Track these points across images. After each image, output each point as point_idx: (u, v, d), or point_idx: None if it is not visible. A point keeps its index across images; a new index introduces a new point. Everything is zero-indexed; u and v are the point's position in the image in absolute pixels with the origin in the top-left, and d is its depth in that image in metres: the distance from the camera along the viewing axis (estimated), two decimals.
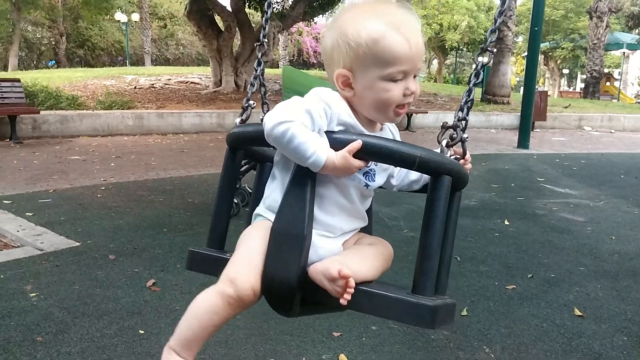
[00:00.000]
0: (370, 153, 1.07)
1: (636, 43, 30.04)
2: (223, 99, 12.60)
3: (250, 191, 4.95)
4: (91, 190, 5.33)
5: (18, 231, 3.89)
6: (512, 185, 6.34)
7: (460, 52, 41.83)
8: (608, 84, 32.88)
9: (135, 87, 13.16)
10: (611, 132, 13.93)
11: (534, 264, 3.61)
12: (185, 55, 35.15)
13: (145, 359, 2.28)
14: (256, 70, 1.44)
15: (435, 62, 47.74)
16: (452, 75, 43.84)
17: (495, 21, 1.19)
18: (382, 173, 1.23)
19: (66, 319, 2.60)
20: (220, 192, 1.37)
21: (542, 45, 36.38)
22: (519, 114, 10.63)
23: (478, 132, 12.65)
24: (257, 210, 1.25)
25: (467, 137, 1.16)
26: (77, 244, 3.71)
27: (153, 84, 13.77)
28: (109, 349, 2.35)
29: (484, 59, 1.21)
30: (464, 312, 2.82)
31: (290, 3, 15.08)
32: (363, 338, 2.53)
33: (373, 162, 1.16)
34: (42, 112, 8.94)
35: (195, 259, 1.36)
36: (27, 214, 4.32)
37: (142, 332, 2.51)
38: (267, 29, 1.48)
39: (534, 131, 12.42)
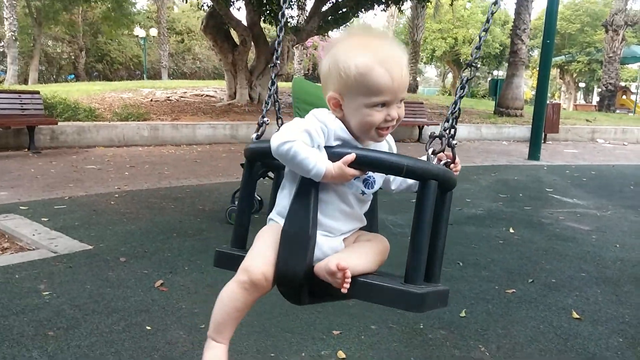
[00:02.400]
0: (363, 163, 1.23)
1: None
2: (237, 111, 12.79)
3: (260, 199, 5.07)
4: (105, 197, 5.48)
5: (33, 235, 4.03)
6: (520, 195, 6.37)
7: (475, 65, 41.80)
8: (624, 97, 32.67)
9: (151, 100, 13.42)
10: (624, 145, 13.85)
11: (536, 270, 3.65)
12: (202, 69, 35.68)
13: (152, 353, 2.37)
14: (270, 89, 1.61)
15: (450, 75, 47.81)
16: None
17: (480, 38, 1.39)
18: (380, 179, 1.39)
19: (77, 316, 2.72)
20: (240, 199, 1.58)
21: (557, 58, 36.47)
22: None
23: (490, 144, 12.69)
24: (270, 215, 1.43)
25: (456, 144, 1.31)
26: (90, 247, 3.84)
27: (169, 97, 14.03)
28: (117, 344, 2.45)
29: (467, 74, 1.38)
30: (463, 314, 2.88)
31: (305, 17, 15.30)
32: (362, 336, 2.60)
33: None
34: (60, 123, 9.17)
35: (221, 257, 1.55)
36: (42, 219, 4.47)
37: (149, 328, 2.61)
38: (279, 50, 1.64)
39: (546, 143, 12.42)
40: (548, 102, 11.63)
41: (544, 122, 10.22)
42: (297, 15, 16.25)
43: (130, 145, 9.76)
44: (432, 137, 1.30)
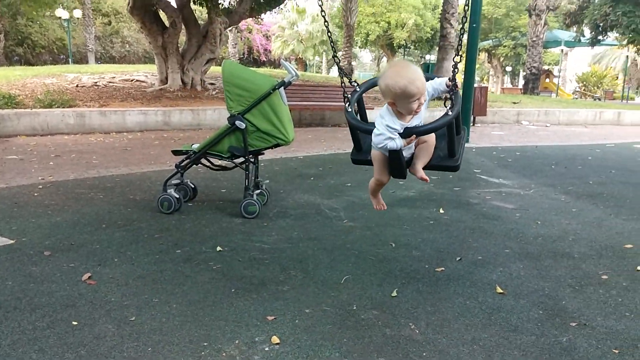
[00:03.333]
0: (418, 135, 2.41)
1: (573, 40, 31.32)
2: (169, 96, 12.45)
3: (193, 186, 4.99)
4: (28, 189, 5.22)
5: None
6: (450, 176, 6.57)
7: (407, 49, 42.61)
8: (547, 80, 34.23)
9: (77, 86, 12.82)
10: (547, 126, 14.55)
11: (464, 248, 3.80)
12: (132, 53, 34.39)
13: (78, 349, 2.30)
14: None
15: (384, 59, 48.42)
16: None
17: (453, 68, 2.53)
18: (420, 120, 2.46)
19: None
20: (352, 134, 2.78)
21: (485, 43, 37.63)
22: None
23: None
24: (374, 146, 2.51)
25: (456, 81, 2.45)
26: (11, 241, 3.65)
27: (96, 82, 13.45)
28: (41, 341, 2.36)
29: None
30: (394, 294, 2.96)
31: None
32: (296, 320, 2.62)
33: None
34: None
35: (354, 159, 2.85)
36: None
37: (75, 323, 2.52)
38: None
39: (475, 126, 12.88)
40: (476, 85, 12.01)
41: (472, 105, 10.57)
42: None
43: (55, 134, 9.32)
44: (447, 86, 2.44)
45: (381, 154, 2.55)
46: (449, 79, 2.43)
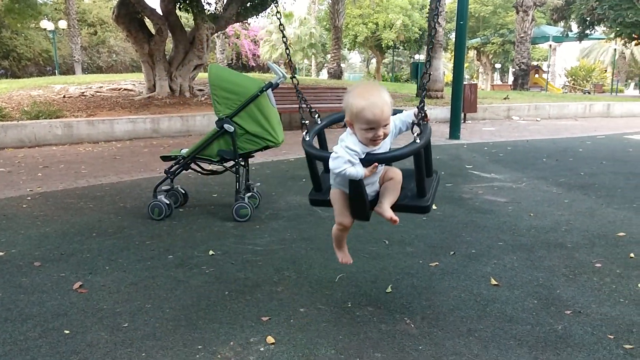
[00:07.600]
0: (380, 162, 2.23)
1: (561, 35, 31.52)
2: (157, 104, 12.39)
3: (184, 192, 4.95)
4: (16, 201, 5.17)
5: None
6: (442, 173, 6.57)
7: (397, 50, 42.72)
8: (537, 76, 34.44)
9: (64, 96, 12.74)
10: (537, 120, 14.62)
11: (457, 243, 3.79)
12: (119, 62, 34.29)
13: (70, 357, 2.26)
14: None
15: (373, 61, 48.55)
16: (390, 74, 44.72)
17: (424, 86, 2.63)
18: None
19: None
20: (310, 171, 2.55)
21: (473, 41, 37.79)
22: None
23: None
24: (333, 183, 2.40)
25: (426, 110, 2.25)
26: (1, 253, 3.61)
27: (83, 93, 13.38)
28: (33, 350, 2.32)
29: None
30: (389, 290, 2.95)
31: (223, 4, 15.02)
32: (291, 320, 2.60)
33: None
34: None
35: (313, 201, 2.67)
36: None
37: (67, 332, 2.48)
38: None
39: (466, 123, 12.91)
40: (465, 82, 12.06)
41: (462, 102, 10.59)
42: (214, 2, 15.90)
43: (43, 145, 9.25)
44: (417, 116, 2.23)
45: (341, 193, 2.36)
46: (417, 108, 2.23)
